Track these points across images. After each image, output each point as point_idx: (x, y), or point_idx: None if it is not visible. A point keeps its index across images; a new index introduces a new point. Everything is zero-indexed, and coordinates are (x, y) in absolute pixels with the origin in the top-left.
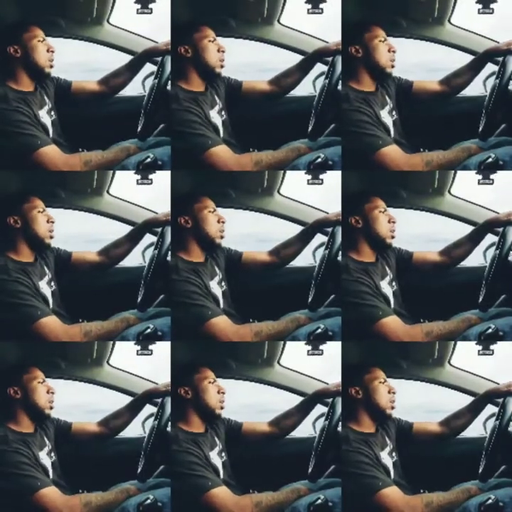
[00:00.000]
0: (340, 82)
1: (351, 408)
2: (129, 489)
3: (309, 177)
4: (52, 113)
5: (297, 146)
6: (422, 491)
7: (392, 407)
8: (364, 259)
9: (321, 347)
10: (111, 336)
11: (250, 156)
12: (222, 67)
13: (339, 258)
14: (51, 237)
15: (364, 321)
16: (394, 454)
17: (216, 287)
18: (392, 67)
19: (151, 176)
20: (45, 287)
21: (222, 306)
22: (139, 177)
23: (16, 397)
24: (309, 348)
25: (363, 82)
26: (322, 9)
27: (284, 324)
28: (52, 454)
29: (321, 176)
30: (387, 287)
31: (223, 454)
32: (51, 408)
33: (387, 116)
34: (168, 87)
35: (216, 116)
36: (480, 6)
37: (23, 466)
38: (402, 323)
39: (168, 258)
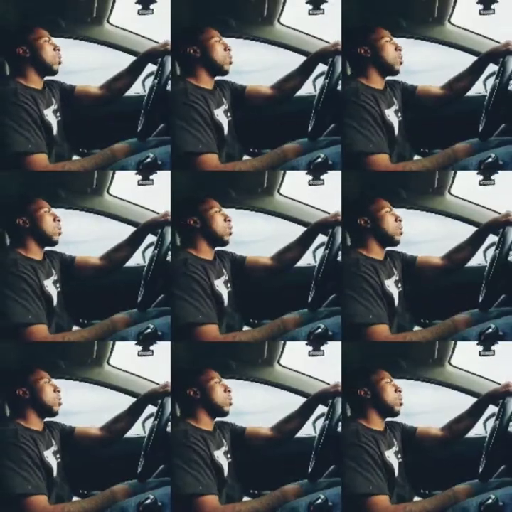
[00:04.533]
0: (340, 81)
1: (360, 407)
2: (115, 493)
3: (310, 178)
4: (58, 114)
5: (283, 150)
6: (422, 491)
7: (400, 404)
8: (374, 256)
9: (321, 347)
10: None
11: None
12: (230, 63)
13: (339, 258)
14: (59, 234)
15: (358, 321)
16: (399, 455)
17: (222, 286)
18: (400, 64)
19: (151, 177)
20: (51, 286)
21: (226, 306)
22: (139, 177)
23: (25, 397)
24: (309, 348)
25: (372, 80)
26: (323, 10)
27: (267, 331)
28: (58, 455)
29: (321, 177)
30: (392, 286)
31: (229, 455)
32: (59, 404)
33: (393, 116)
34: (168, 87)
35: (221, 115)
36: (481, 7)
37: (23, 465)
38: (388, 334)
39: (168, 258)
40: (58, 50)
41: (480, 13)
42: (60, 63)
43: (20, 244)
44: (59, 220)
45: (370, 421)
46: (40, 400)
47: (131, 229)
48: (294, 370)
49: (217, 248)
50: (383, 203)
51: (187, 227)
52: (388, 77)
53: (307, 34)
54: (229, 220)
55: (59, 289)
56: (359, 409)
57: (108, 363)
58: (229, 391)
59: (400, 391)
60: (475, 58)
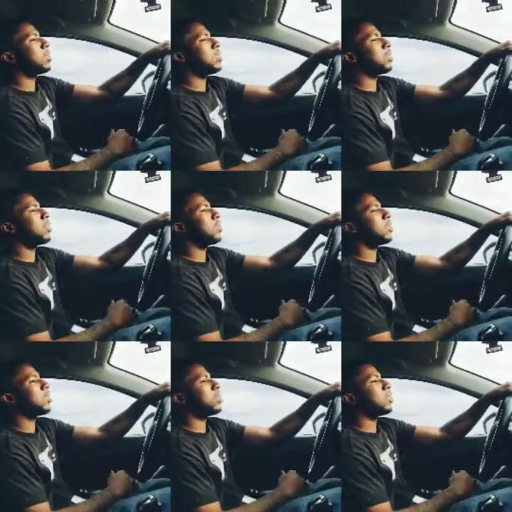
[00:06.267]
0: (340, 81)
1: (351, 411)
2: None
3: (316, 175)
4: (54, 114)
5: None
6: (422, 490)
7: (390, 401)
8: (365, 260)
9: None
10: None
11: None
12: (219, 61)
13: (339, 258)
14: (49, 231)
15: (357, 332)
16: (395, 454)
17: (217, 288)
18: (390, 61)
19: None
20: (47, 288)
21: (223, 308)
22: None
23: (11, 402)
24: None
25: (363, 84)
26: (330, 5)
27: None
28: (54, 455)
29: (329, 172)
30: (388, 288)
31: (224, 455)
32: (49, 402)
33: (388, 118)
34: (168, 87)
35: (217, 118)
36: (487, 4)
37: (18, 477)
38: (389, 340)
39: (168, 258)
40: (47, 46)
41: (487, 10)
42: (49, 60)
43: (11, 249)
44: (47, 216)
45: (362, 425)
46: (28, 402)
47: (131, 229)
48: (294, 370)
49: (211, 245)
50: (368, 200)
51: (174, 234)
52: (381, 75)
53: (307, 34)
54: (217, 217)
55: (55, 289)
56: (349, 415)
57: (108, 362)
58: (217, 388)
59: (388, 388)
60: (475, 58)
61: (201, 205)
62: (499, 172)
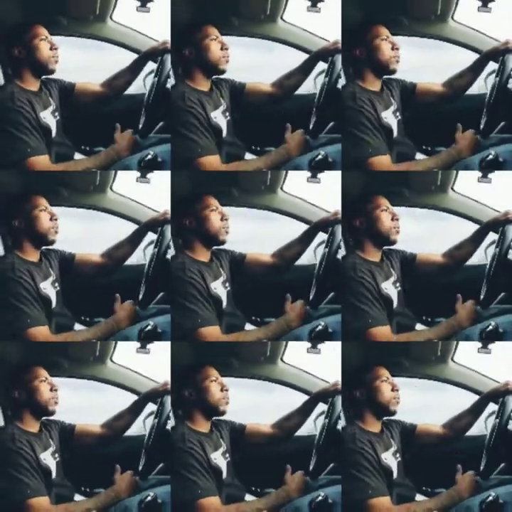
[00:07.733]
0: (339, 79)
1: (357, 408)
2: (117, 491)
3: (309, 175)
4: (56, 114)
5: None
6: (423, 488)
7: (397, 403)
8: (370, 258)
9: (321, 345)
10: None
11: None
12: (226, 63)
13: (339, 256)
14: (56, 232)
15: (358, 324)
16: (398, 454)
17: (220, 287)
18: (397, 62)
19: (150, 175)
20: (49, 288)
21: (225, 306)
22: (140, 175)
23: (20, 398)
24: (310, 346)
25: (368, 82)
26: (320, 8)
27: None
28: (56, 455)
29: (320, 175)
30: (390, 288)
31: (227, 455)
32: (55, 403)
33: (390, 117)
34: (168, 85)
35: (219, 117)
36: (479, 4)
37: (21, 470)
38: (390, 335)
39: (168, 256)
40: (55, 49)
41: (478, 10)
42: (56, 62)
43: (18, 246)
44: (56, 219)
45: (367, 423)
46: (35, 400)
47: (133, 226)
48: (296, 368)
49: (215, 247)
50: (380, 201)
51: (183, 228)
52: (385, 76)
53: (310, 32)
54: (226, 219)
55: (57, 289)
56: (356, 411)
57: (111, 360)
58: (226, 390)
59: (397, 390)
60: (477, 56)
61: (211, 205)
62: (490, 175)
